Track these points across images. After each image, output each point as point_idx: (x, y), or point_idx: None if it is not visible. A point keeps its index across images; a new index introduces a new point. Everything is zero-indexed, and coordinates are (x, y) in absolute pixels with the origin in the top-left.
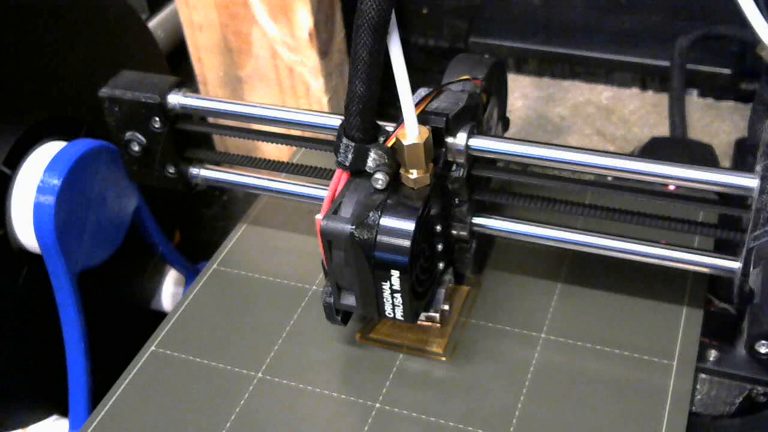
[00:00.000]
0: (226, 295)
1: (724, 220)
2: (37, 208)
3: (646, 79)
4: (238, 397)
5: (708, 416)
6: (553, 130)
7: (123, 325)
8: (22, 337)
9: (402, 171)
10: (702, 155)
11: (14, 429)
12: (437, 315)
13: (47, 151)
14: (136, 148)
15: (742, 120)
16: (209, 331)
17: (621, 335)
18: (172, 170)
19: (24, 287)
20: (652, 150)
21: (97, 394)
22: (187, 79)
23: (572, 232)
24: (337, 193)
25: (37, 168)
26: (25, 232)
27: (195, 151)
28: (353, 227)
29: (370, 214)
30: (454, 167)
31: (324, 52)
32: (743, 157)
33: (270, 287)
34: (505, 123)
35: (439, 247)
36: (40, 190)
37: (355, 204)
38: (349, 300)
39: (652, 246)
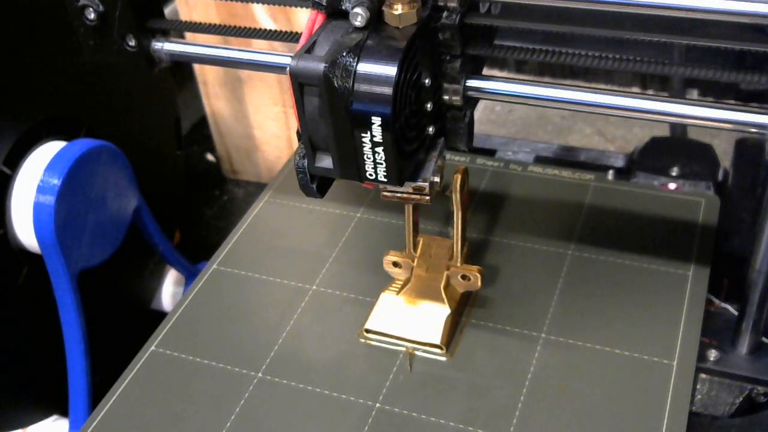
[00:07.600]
0: (226, 295)
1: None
2: (37, 208)
3: (646, 79)
4: (238, 397)
5: (708, 416)
6: (553, 130)
7: (123, 325)
8: (22, 337)
9: (385, 8)
10: (702, 155)
11: (14, 429)
12: (426, 185)
13: (47, 151)
14: (92, 15)
15: None
16: (209, 331)
17: (621, 335)
18: (132, 43)
19: (24, 287)
20: (652, 150)
21: (97, 394)
22: (187, 80)
23: (582, 91)
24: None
25: (37, 168)
26: (25, 232)
27: (158, 21)
28: (327, 65)
29: (347, 53)
30: (445, 14)
31: None
32: (743, 157)
33: (270, 287)
34: None
35: (429, 106)
36: (40, 190)
37: (331, 43)
38: (325, 162)
39: (672, 102)
